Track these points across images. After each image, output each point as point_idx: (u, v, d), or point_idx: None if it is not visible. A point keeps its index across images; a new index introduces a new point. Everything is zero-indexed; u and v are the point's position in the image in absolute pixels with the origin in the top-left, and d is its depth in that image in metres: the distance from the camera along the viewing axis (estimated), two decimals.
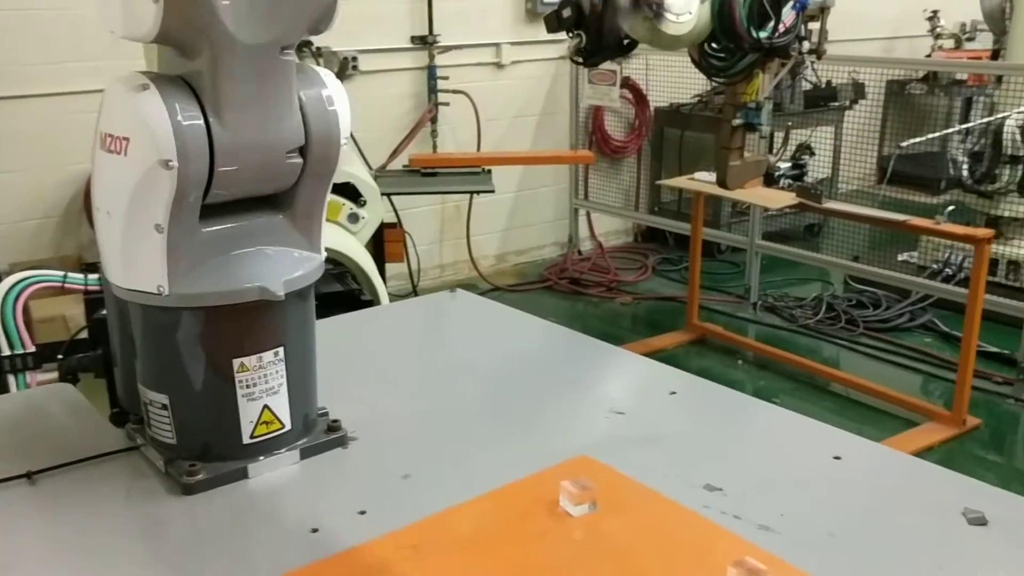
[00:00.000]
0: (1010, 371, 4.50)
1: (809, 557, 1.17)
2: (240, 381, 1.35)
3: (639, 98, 6.66)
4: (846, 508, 1.29)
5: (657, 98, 6.63)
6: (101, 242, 1.36)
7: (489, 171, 4.95)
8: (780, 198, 4.45)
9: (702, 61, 4.31)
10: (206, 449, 1.38)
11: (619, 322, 5.64)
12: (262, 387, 1.37)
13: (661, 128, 6.70)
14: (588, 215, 6.82)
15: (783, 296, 5.74)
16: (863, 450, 1.47)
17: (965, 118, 6.28)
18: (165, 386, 1.37)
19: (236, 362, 1.35)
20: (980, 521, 1.26)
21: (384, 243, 4.27)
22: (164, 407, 1.37)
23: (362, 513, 1.30)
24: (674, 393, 1.69)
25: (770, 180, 4.14)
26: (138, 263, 1.30)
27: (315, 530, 1.26)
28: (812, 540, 1.22)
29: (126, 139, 1.24)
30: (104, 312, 1.58)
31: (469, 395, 1.73)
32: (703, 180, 4.73)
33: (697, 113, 6.36)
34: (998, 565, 1.16)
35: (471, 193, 5.71)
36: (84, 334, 1.93)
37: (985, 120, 5.29)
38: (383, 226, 4.13)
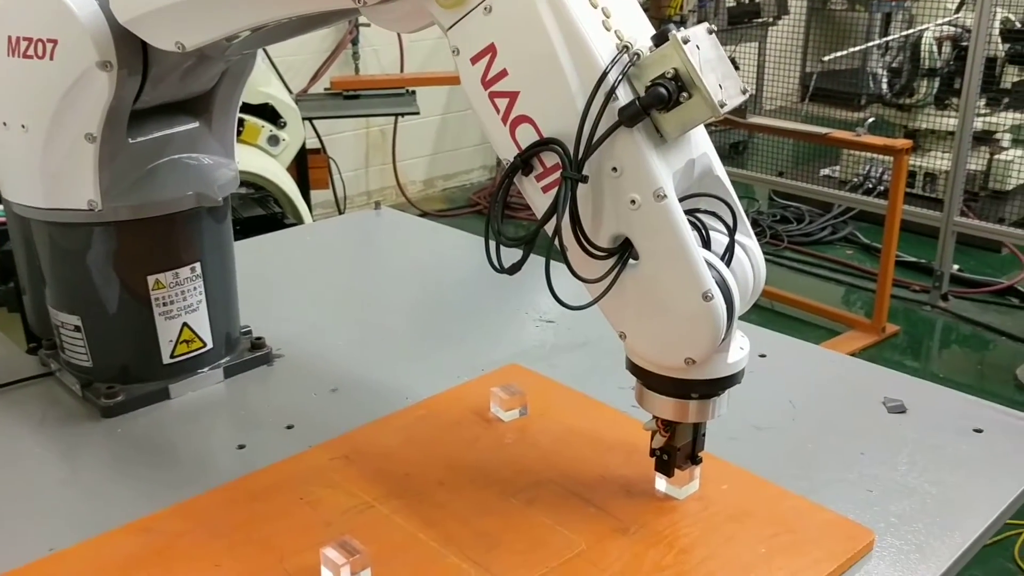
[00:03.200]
0: (927, 279, 4.64)
1: (737, 451, 1.19)
2: (156, 299, 1.31)
3: None
4: (772, 403, 1.31)
5: None
6: (5, 160, 1.28)
7: (413, 92, 4.84)
8: None
9: None
10: (124, 371, 1.34)
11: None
12: (180, 305, 1.33)
13: None
14: None
15: None
16: (787, 348, 1.50)
17: (884, 33, 6.34)
18: (77, 307, 1.31)
19: (151, 279, 1.30)
20: (899, 409, 1.29)
21: (308, 169, 4.17)
22: (77, 329, 1.32)
23: (290, 428, 1.27)
24: None
25: None
26: (65, 178, 1.23)
27: (242, 446, 1.24)
28: (740, 434, 1.24)
29: (52, 41, 1.15)
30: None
31: (398, 309, 1.71)
32: None
33: None
34: (916, 449, 1.20)
35: (396, 116, 5.59)
36: None
37: (903, 34, 5.36)
38: (307, 152, 4.02)
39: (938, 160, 5.17)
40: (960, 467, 1.16)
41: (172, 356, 1.34)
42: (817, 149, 5.64)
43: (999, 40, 5.00)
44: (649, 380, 1.01)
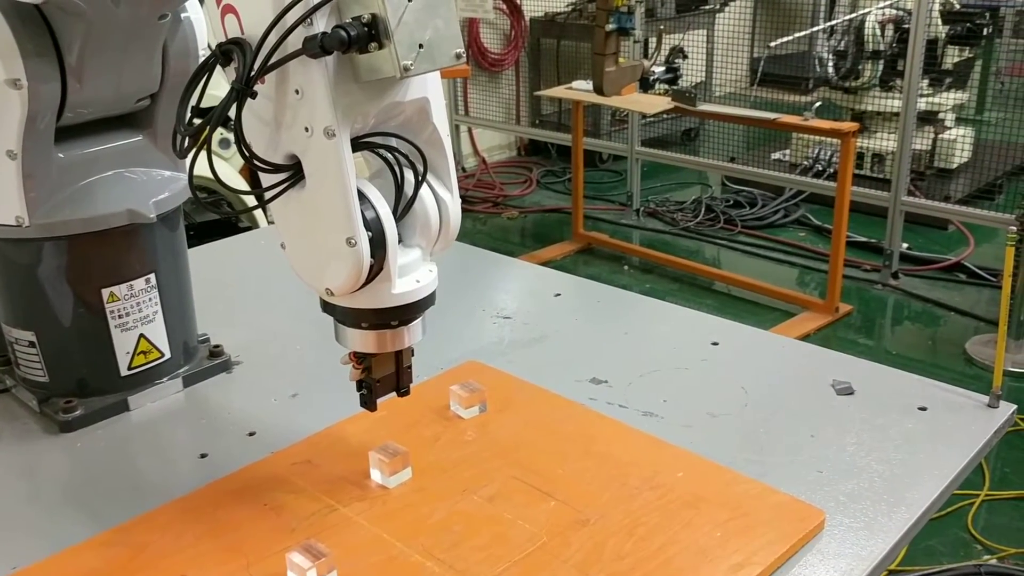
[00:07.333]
0: (877, 258, 4.74)
1: (692, 437, 1.22)
2: (111, 311, 1.30)
3: (513, 8, 6.58)
4: (724, 389, 1.35)
5: (532, 8, 6.56)
6: None
7: None
8: (656, 103, 4.50)
9: None
10: (82, 384, 1.33)
11: (507, 236, 5.66)
12: (136, 316, 1.33)
13: (538, 39, 6.64)
14: (470, 131, 6.76)
15: (664, 201, 5.86)
16: (738, 334, 1.54)
17: (830, 17, 6.44)
18: (31, 323, 1.31)
19: (105, 292, 1.30)
20: (847, 391, 1.33)
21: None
22: (31, 344, 1.31)
23: (251, 435, 1.28)
24: (559, 295, 1.72)
25: (645, 85, 4.18)
26: None
27: (204, 455, 1.24)
28: (694, 421, 1.27)
29: None
30: None
31: None
32: (580, 89, 4.73)
33: (573, 22, 6.33)
34: (864, 429, 1.24)
35: None
36: None
37: (847, 18, 5.44)
38: None
39: (884, 141, 5.27)
40: (906, 444, 1.20)
41: (130, 368, 1.34)
42: (767, 134, 5.73)
43: (939, 21, 5.11)
44: (329, 312, 1.04)
